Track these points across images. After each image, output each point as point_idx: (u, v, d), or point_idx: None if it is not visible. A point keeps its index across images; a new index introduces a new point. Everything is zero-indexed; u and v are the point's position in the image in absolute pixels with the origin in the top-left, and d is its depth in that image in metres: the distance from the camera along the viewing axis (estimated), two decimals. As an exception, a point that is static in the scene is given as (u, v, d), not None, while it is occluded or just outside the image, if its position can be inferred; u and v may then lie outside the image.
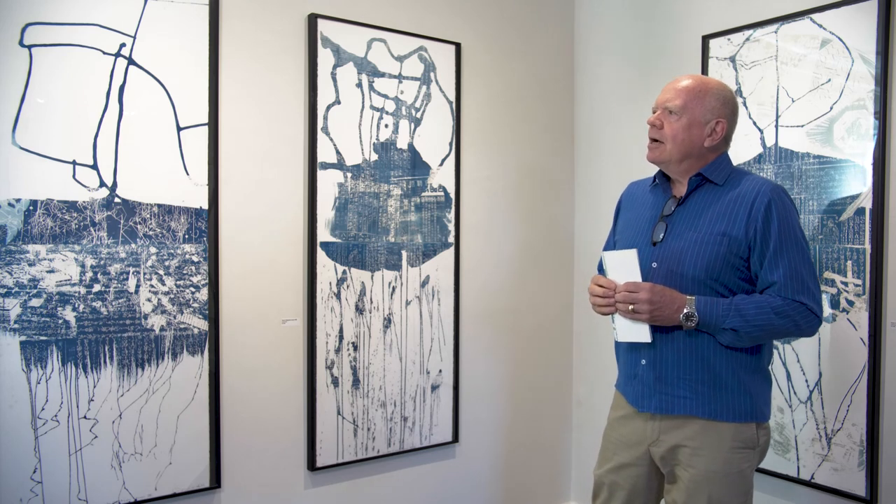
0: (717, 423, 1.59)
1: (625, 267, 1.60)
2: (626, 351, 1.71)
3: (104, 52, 1.85)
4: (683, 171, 1.66)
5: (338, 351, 2.25)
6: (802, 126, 2.09)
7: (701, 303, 1.55)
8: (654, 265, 1.62)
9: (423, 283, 2.43)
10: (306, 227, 2.20)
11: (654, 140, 1.67)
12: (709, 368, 1.59)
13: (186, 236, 1.98)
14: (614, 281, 1.62)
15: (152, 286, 1.94)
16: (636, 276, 1.59)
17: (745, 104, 2.24)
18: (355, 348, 2.29)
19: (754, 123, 2.22)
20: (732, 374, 1.59)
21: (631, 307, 1.57)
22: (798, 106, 2.10)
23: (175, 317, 1.97)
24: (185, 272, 1.98)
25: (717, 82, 1.66)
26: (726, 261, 1.57)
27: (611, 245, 1.94)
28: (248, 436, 2.12)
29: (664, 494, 1.73)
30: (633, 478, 1.73)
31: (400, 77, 2.36)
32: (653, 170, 1.79)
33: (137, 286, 1.91)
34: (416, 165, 2.40)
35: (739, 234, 1.56)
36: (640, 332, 1.61)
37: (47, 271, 1.79)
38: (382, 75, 2.32)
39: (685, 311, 1.54)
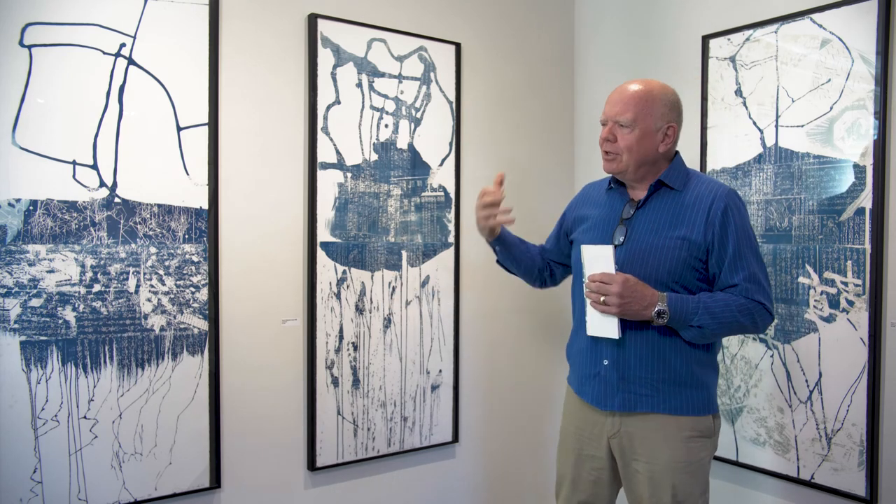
0: (677, 416, 1.65)
1: (600, 261, 1.64)
2: (587, 351, 1.74)
3: (104, 52, 1.85)
4: (640, 177, 1.72)
5: (338, 351, 2.25)
6: (802, 126, 2.09)
7: (672, 300, 1.60)
8: (616, 268, 1.65)
9: (423, 283, 2.43)
10: (306, 227, 2.20)
11: (608, 153, 1.70)
12: (669, 367, 1.65)
13: (186, 236, 1.98)
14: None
15: (152, 286, 1.94)
16: (610, 271, 1.63)
17: (745, 104, 2.24)
18: (355, 348, 2.29)
19: (754, 123, 2.22)
20: (689, 370, 1.65)
21: (602, 299, 1.61)
22: (798, 106, 2.10)
23: (175, 317, 1.97)
24: (185, 272, 1.98)
25: (660, 86, 1.68)
26: (686, 263, 1.63)
27: (549, 243, 2.05)
28: (248, 436, 2.12)
29: (626, 493, 1.75)
30: (597, 471, 1.77)
31: (400, 77, 2.36)
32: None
33: (137, 286, 1.91)
34: (416, 165, 2.40)
35: (698, 238, 1.62)
36: (609, 328, 1.64)
37: (47, 271, 1.79)
38: (382, 75, 2.32)
39: (657, 307, 1.58)
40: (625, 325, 1.64)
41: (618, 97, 1.67)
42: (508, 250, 1.96)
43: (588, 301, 1.67)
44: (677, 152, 1.74)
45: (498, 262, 2.05)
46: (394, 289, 2.37)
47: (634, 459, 1.68)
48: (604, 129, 1.70)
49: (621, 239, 1.69)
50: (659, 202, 1.69)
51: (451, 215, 2.50)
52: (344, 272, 2.26)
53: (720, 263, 1.63)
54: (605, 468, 1.76)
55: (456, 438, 2.55)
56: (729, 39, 2.29)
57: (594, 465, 1.77)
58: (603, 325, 1.65)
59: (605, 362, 1.69)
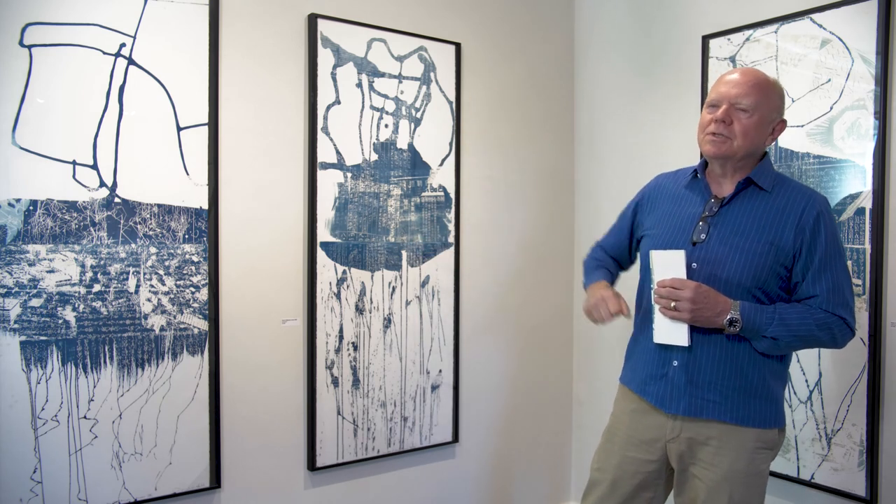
0: (744, 427, 1.59)
1: (671, 267, 1.57)
2: (655, 350, 1.68)
3: (104, 52, 1.85)
4: (734, 169, 1.63)
5: (338, 351, 2.25)
6: (802, 126, 2.09)
7: (746, 309, 1.53)
8: (694, 266, 1.60)
9: (423, 283, 2.43)
10: (306, 227, 2.20)
11: (717, 134, 1.59)
12: (742, 374, 1.59)
13: (186, 236, 1.98)
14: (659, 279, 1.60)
15: (152, 286, 1.94)
16: (682, 276, 1.56)
17: (745, 104, 2.24)
18: (355, 348, 2.29)
19: (754, 123, 2.21)
20: (762, 380, 1.60)
21: (673, 304, 1.55)
22: (798, 106, 2.10)
23: (175, 317, 1.97)
24: (185, 272, 1.98)
25: (774, 79, 1.63)
26: (771, 269, 1.56)
27: (612, 238, 1.94)
28: (248, 436, 2.12)
29: (676, 496, 1.71)
30: (642, 474, 1.72)
31: (400, 77, 2.36)
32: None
33: (137, 286, 1.91)
34: (416, 165, 2.40)
35: (787, 244, 1.55)
36: (678, 335, 1.59)
37: (47, 271, 1.79)
38: (382, 75, 2.32)
39: (729, 316, 1.53)
40: (693, 332, 1.58)
41: (738, 80, 1.58)
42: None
43: (656, 307, 1.60)
44: (766, 152, 1.67)
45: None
46: (394, 289, 2.37)
47: (693, 464, 1.63)
48: (715, 109, 1.60)
49: (703, 237, 1.61)
50: (746, 202, 1.61)
51: (451, 215, 2.50)
52: (344, 272, 2.26)
53: (804, 272, 1.56)
54: (652, 472, 1.71)
55: (456, 438, 2.55)
56: (729, 39, 2.29)
57: (640, 468, 1.72)
58: (671, 332, 1.59)
59: (675, 363, 1.63)
